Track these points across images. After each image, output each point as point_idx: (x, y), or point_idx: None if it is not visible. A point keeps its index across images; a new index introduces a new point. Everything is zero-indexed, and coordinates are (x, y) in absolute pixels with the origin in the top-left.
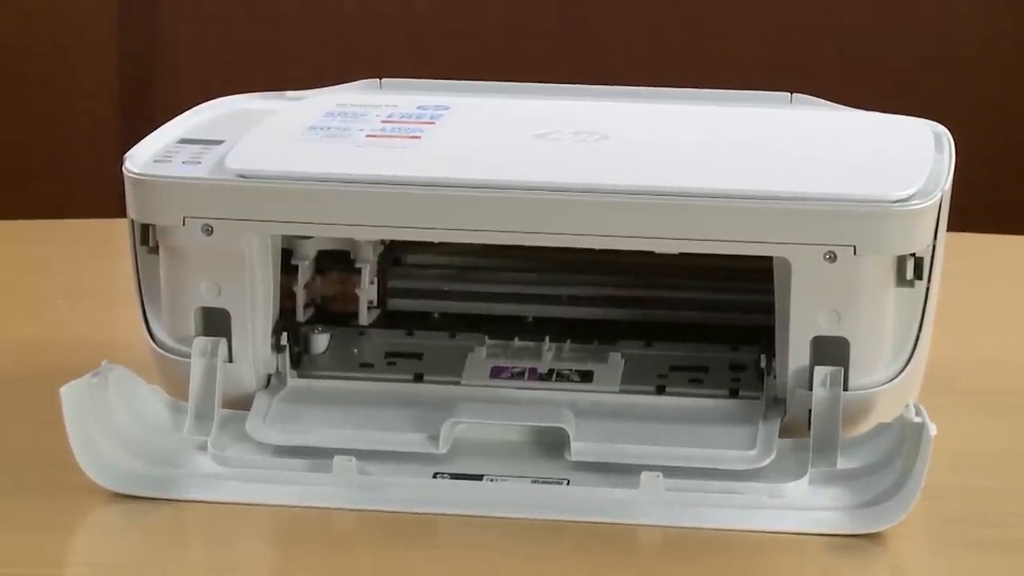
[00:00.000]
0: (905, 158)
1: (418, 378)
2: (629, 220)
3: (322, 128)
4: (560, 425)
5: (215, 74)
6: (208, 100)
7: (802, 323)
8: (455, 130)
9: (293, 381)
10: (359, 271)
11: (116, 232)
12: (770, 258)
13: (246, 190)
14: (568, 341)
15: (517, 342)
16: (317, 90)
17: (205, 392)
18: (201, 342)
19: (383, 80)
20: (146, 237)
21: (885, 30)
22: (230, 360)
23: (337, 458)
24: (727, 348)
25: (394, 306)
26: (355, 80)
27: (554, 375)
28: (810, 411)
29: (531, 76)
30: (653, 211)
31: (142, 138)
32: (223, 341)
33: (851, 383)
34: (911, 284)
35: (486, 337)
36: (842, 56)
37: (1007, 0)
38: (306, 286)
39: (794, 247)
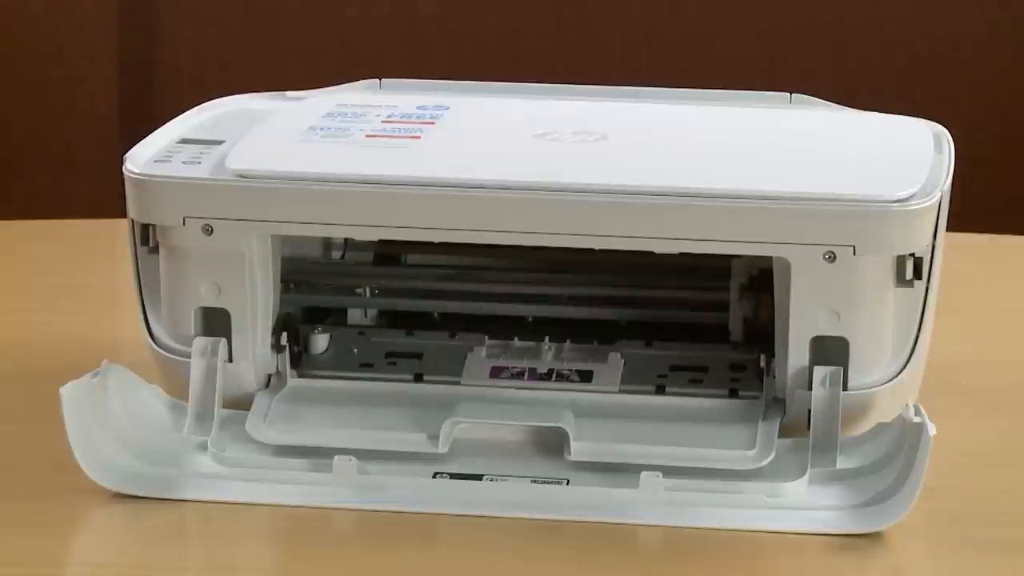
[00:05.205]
0: (905, 158)
1: (418, 378)
2: (629, 220)
3: (322, 128)
4: (560, 425)
5: (215, 74)
6: (208, 100)
7: (802, 323)
8: (455, 130)
9: (293, 381)
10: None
11: (116, 232)
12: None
13: (246, 190)
14: (568, 341)
15: (517, 342)
16: (317, 90)
17: (205, 392)
18: (201, 342)
19: (383, 80)
20: (146, 237)
21: (885, 30)
22: (230, 360)
23: (337, 458)
24: (727, 348)
25: (399, 307)
26: (355, 80)
27: (554, 375)
28: (810, 411)
29: (530, 76)
30: (653, 211)
31: (142, 138)
32: (223, 341)
33: (851, 383)
34: (910, 284)
35: (486, 337)
36: (842, 56)
37: (1007, 0)
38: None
39: (794, 247)
